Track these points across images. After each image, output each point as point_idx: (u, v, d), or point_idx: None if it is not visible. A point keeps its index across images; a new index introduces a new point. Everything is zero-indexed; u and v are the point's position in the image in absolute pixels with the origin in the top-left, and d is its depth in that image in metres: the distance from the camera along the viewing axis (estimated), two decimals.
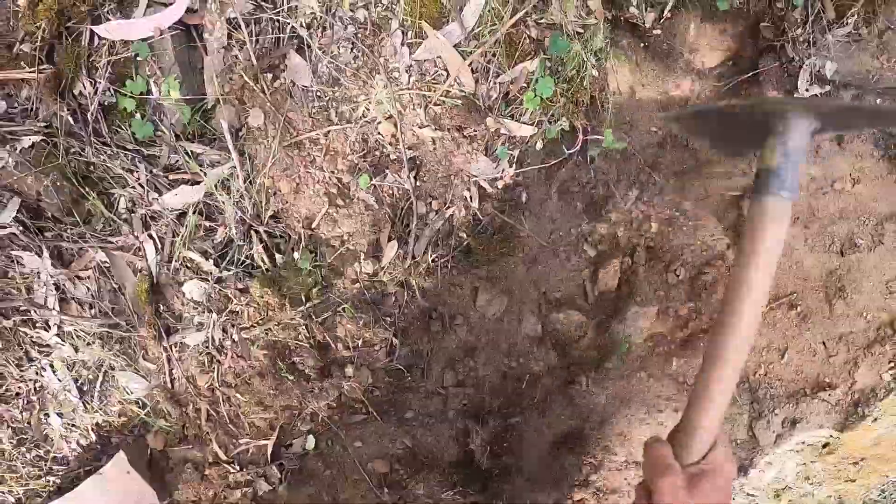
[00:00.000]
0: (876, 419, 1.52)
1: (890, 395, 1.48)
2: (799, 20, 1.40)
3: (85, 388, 1.48)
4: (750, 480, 1.61)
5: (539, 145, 1.29)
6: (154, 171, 1.34)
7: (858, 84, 1.53)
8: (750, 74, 1.49)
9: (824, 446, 1.68)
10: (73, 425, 1.50)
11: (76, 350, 1.43)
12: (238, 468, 1.42)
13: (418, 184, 1.27)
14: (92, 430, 1.50)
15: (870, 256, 1.52)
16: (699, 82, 1.52)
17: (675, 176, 1.52)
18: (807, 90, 1.48)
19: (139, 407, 1.45)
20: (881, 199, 1.51)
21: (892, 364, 1.49)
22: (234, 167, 1.28)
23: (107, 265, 1.40)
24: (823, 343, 1.53)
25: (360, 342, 1.33)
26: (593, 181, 1.41)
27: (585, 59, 1.23)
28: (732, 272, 0.76)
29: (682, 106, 1.37)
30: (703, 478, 0.74)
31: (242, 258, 1.32)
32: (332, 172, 1.27)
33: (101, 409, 1.48)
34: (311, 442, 1.40)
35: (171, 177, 1.34)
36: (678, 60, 1.50)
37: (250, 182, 1.29)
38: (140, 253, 1.39)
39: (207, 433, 1.43)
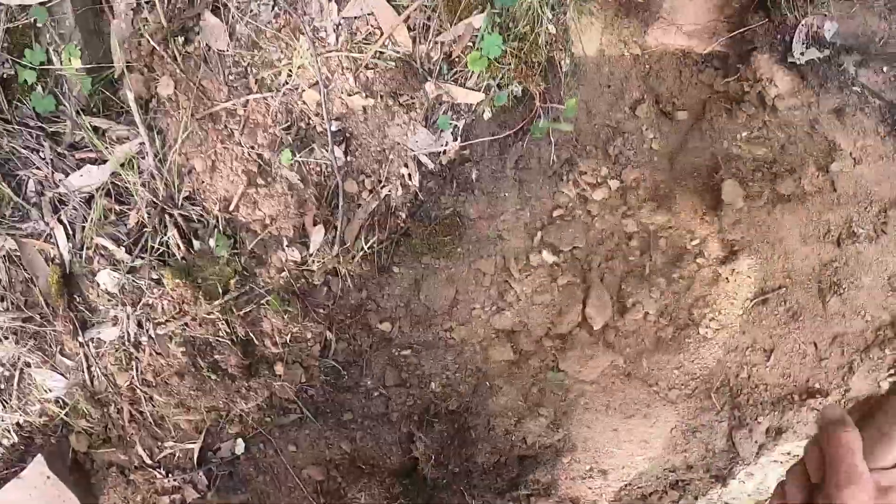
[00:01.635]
0: None
1: None
2: None
3: (2, 387, 1.38)
4: (729, 490, 1.46)
5: (487, 114, 1.13)
6: (59, 149, 1.21)
7: (862, 48, 1.34)
8: (736, 33, 1.31)
9: None
10: None
11: None
12: (164, 473, 1.31)
13: (348, 159, 1.13)
14: (13, 430, 1.39)
15: (870, 248, 1.35)
16: (682, 40, 1.34)
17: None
18: (802, 54, 1.30)
19: (59, 406, 1.34)
20: (886, 183, 1.33)
21: (893, 370, 1.32)
22: (143, 143, 1.14)
23: (17, 254, 1.28)
24: (815, 344, 1.37)
25: (288, 337, 1.20)
26: (555, 156, 1.25)
27: (540, 13, 1.06)
28: None
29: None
30: (893, 492, 0.61)
31: (157, 245, 1.18)
32: (252, 147, 1.13)
33: (20, 409, 1.38)
34: (240, 446, 1.29)
35: (77, 156, 1.21)
36: (656, 16, 1.32)
37: (161, 160, 1.15)
38: (51, 240, 1.27)
39: (132, 435, 1.32)
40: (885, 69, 1.31)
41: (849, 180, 1.33)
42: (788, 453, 1.45)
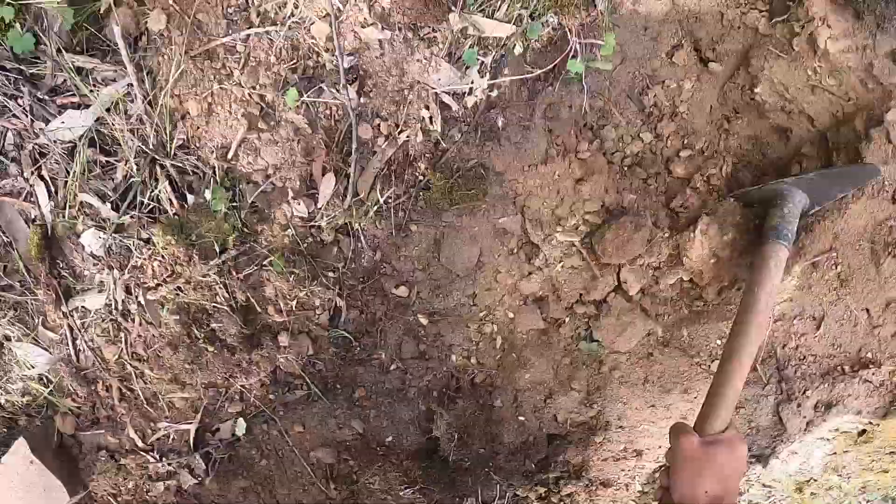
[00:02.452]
0: None
1: None
2: None
3: None
4: (770, 470, 1.35)
5: (518, 49, 1.00)
6: (39, 94, 1.09)
7: None
8: None
9: (860, 434, 1.42)
10: None
11: None
12: (158, 457, 1.19)
13: (363, 100, 1.00)
14: None
15: None
16: None
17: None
18: None
19: (42, 384, 1.22)
20: None
21: None
22: (132, 84, 1.02)
23: None
24: (867, 311, 1.25)
25: (294, 304, 1.08)
26: (587, 105, 1.12)
27: None
28: (742, 299, 1.04)
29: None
30: (718, 443, 0.91)
31: (146, 200, 1.06)
32: (253, 88, 1.01)
33: (1, 388, 1.26)
34: (241, 426, 1.17)
35: (58, 101, 1.08)
36: None
37: (151, 103, 1.03)
38: (32, 198, 1.15)
39: (122, 415, 1.20)
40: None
41: None
42: (837, 429, 1.33)
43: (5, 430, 1.31)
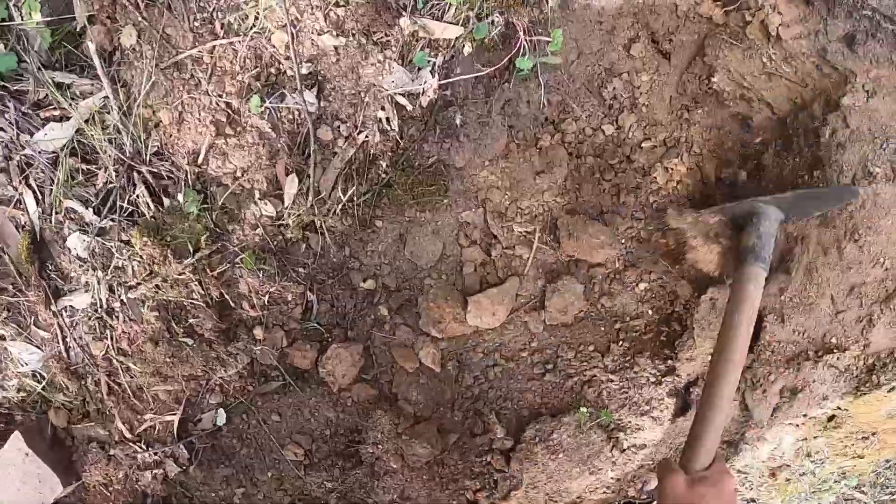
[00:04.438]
0: (893, 388, 1.26)
1: None
2: None
3: None
4: (742, 457, 1.37)
5: (468, 49, 1.05)
6: (23, 109, 1.16)
7: None
8: None
9: (830, 419, 1.43)
10: None
11: None
12: (145, 447, 1.26)
13: (321, 104, 1.06)
14: None
15: (888, 188, 1.24)
16: None
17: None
18: None
19: (36, 380, 1.30)
20: None
21: None
22: (107, 97, 1.09)
23: None
24: (831, 297, 1.27)
25: (266, 299, 1.14)
26: (546, 99, 1.16)
27: None
28: (723, 321, 1.04)
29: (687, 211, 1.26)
30: (704, 482, 0.88)
31: (126, 204, 1.13)
32: (220, 96, 1.07)
33: None
34: (221, 416, 1.23)
35: (42, 114, 1.16)
36: None
37: (126, 113, 1.09)
38: (21, 206, 1.22)
39: (111, 408, 1.27)
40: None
41: (862, 115, 1.23)
42: (804, 415, 1.35)
43: (2, 424, 1.39)
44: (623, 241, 1.27)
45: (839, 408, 1.35)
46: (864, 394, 1.27)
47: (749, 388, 1.33)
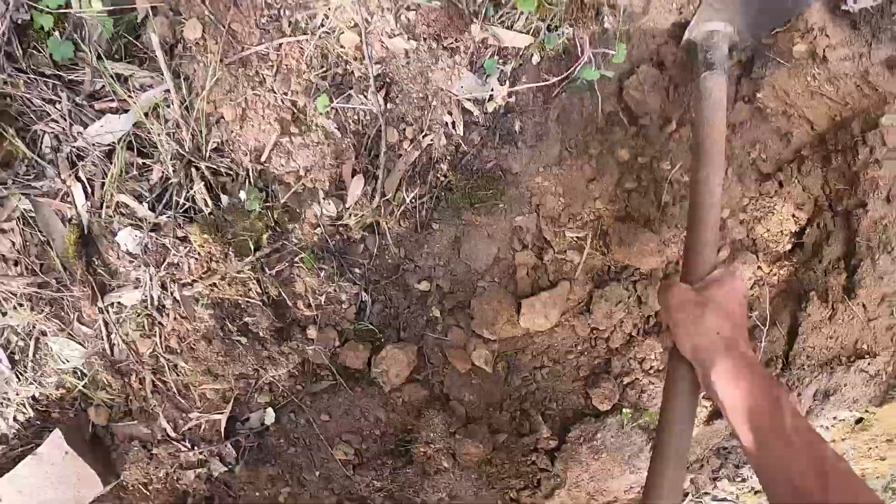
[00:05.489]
0: None
1: None
2: None
3: (17, 358, 1.30)
4: None
5: (536, 59, 1.06)
6: (77, 100, 1.14)
7: None
8: None
9: (857, 422, 1.49)
10: (7, 399, 1.32)
11: (3, 314, 1.25)
12: (189, 446, 1.24)
13: (389, 106, 1.06)
14: (29, 404, 1.32)
15: None
16: None
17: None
18: (855, 2, 1.25)
19: (77, 378, 1.27)
20: None
21: None
22: (168, 90, 1.07)
23: (32, 215, 1.20)
24: (863, 304, 1.32)
25: (322, 299, 1.14)
26: (598, 110, 1.19)
27: None
28: (693, 133, 1.04)
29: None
30: (711, 283, 0.83)
31: (182, 201, 1.11)
32: (285, 94, 1.06)
33: (36, 381, 1.30)
34: (270, 416, 1.22)
35: (97, 106, 1.13)
36: None
37: (187, 108, 1.08)
38: (68, 199, 1.20)
39: (154, 406, 1.25)
40: None
41: None
42: (834, 418, 1.40)
43: (39, 422, 1.36)
44: (669, 249, 1.30)
45: (867, 411, 1.40)
46: (893, 398, 1.32)
47: (785, 392, 1.38)
